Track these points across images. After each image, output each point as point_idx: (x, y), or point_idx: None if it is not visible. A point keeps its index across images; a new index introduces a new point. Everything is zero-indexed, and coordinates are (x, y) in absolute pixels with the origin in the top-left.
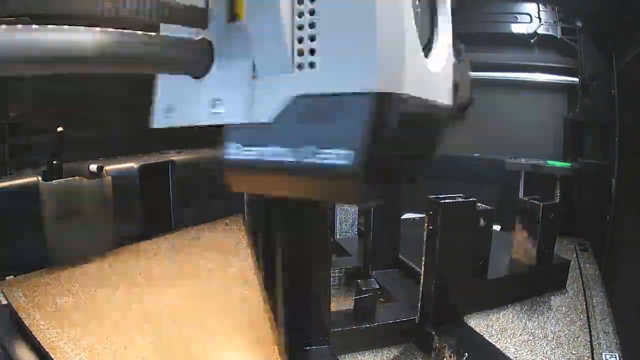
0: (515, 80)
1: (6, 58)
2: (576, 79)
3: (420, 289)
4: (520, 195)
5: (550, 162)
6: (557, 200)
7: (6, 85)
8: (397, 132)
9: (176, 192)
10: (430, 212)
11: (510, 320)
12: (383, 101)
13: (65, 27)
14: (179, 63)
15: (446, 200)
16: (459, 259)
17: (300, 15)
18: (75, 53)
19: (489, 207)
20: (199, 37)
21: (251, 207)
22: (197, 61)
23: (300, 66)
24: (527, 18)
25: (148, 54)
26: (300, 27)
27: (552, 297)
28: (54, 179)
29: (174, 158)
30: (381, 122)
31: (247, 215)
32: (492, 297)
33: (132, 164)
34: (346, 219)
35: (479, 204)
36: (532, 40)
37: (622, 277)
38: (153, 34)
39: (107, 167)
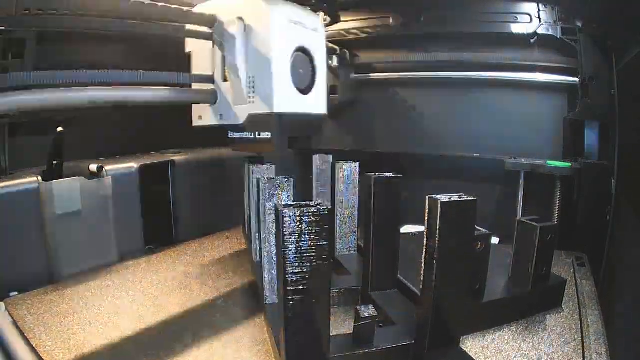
0: (515, 80)
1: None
2: (576, 79)
3: (417, 313)
4: (520, 195)
5: (550, 162)
6: (556, 220)
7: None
8: (287, 125)
9: (176, 192)
10: (430, 212)
11: (505, 342)
12: (279, 115)
13: (145, 88)
14: (204, 100)
15: (446, 200)
16: (456, 278)
17: (249, 79)
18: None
19: (486, 232)
20: (212, 88)
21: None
22: (211, 99)
23: (250, 100)
24: (527, 18)
25: (192, 98)
26: (250, 84)
27: (548, 317)
28: (54, 179)
29: (174, 158)
30: (279, 122)
31: (247, 229)
32: (488, 318)
33: (132, 164)
34: (346, 234)
35: (477, 228)
36: (532, 40)
37: (618, 292)
38: (195, 89)
39: (107, 167)
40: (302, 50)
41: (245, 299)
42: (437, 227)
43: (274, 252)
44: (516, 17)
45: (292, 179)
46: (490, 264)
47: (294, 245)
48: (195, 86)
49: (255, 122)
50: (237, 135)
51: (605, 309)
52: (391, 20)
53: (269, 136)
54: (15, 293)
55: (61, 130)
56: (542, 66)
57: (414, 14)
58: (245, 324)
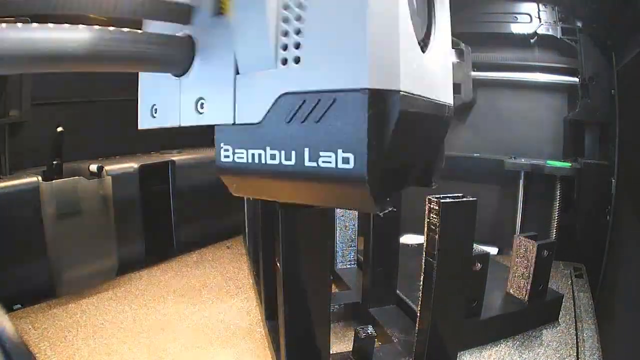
0: (515, 80)
1: None
2: (576, 79)
3: (415, 331)
4: (520, 195)
5: (550, 162)
6: (556, 220)
7: (5, 85)
8: (399, 131)
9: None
10: (430, 212)
11: (502, 357)
12: (379, 99)
13: (50, 25)
14: (158, 60)
15: (447, 200)
16: (455, 290)
17: (287, 7)
18: (60, 53)
19: (484, 251)
20: (181, 34)
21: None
22: (177, 58)
23: (284, 61)
24: (527, 18)
25: (124, 52)
26: (286, 20)
27: (544, 331)
28: (54, 179)
29: (174, 158)
30: (380, 122)
31: (247, 241)
32: (485, 334)
33: (132, 164)
34: (346, 248)
35: (475, 245)
36: (532, 40)
37: (615, 305)
38: (130, 30)
39: (107, 167)
40: None
41: (246, 313)
42: (437, 228)
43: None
44: (516, 17)
45: None
46: (488, 277)
47: (294, 246)
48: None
49: (300, 118)
50: (240, 155)
51: (602, 322)
52: None
53: (351, 165)
54: (19, 306)
55: (61, 130)
56: (542, 66)
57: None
58: (247, 338)
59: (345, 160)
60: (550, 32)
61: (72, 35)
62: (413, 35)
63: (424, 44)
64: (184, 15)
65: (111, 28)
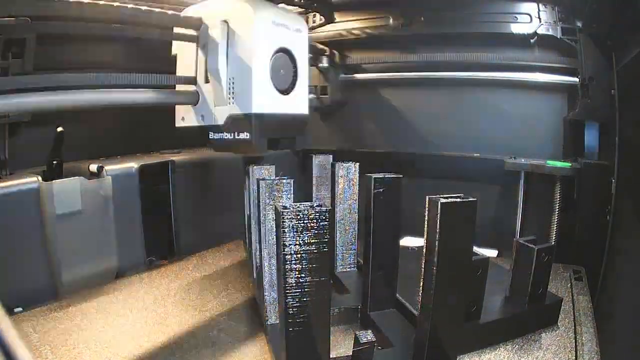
0: (515, 80)
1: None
2: (576, 79)
3: (414, 337)
4: (520, 195)
5: (550, 162)
6: (556, 221)
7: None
8: (266, 125)
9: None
10: (430, 213)
11: None
12: (257, 115)
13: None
14: (185, 100)
15: (447, 200)
16: (455, 292)
17: (230, 79)
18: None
19: (484, 256)
20: (193, 90)
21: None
22: (192, 99)
23: (230, 101)
24: (527, 18)
25: (174, 100)
26: (230, 86)
27: (543, 335)
28: (54, 179)
29: (174, 158)
30: (258, 122)
31: (248, 243)
32: (484, 339)
33: (132, 164)
34: (346, 251)
35: (475, 250)
36: (532, 40)
37: (614, 307)
38: (177, 90)
39: (107, 167)
40: (284, 51)
41: (247, 317)
42: (437, 228)
43: (274, 276)
44: (516, 17)
45: (292, 180)
46: (487, 281)
47: (293, 246)
48: (179, 88)
49: (235, 123)
50: (216, 136)
51: (601, 326)
52: (391, 21)
53: (248, 137)
54: (20, 309)
55: (61, 130)
56: (542, 66)
57: (414, 14)
58: (247, 342)
59: (247, 136)
60: (550, 32)
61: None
62: (274, 91)
63: (288, 90)
64: (193, 98)
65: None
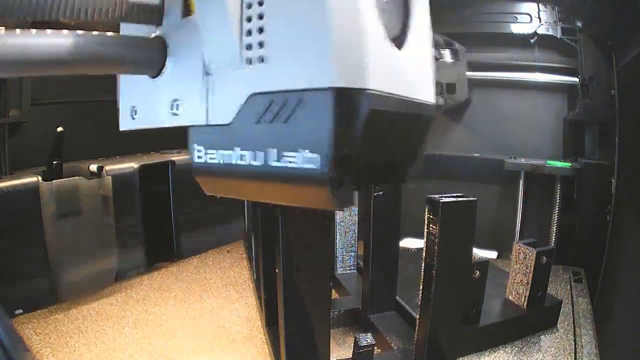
0: (515, 80)
1: None
2: (576, 79)
3: (415, 338)
4: (520, 195)
5: (550, 162)
6: (556, 222)
7: (5, 85)
8: (368, 131)
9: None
10: (430, 212)
11: None
12: (346, 98)
13: (18, 31)
14: (130, 62)
15: (447, 200)
16: (454, 294)
17: (249, 5)
18: (34, 58)
19: (484, 259)
20: (153, 35)
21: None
22: (150, 60)
23: (249, 61)
24: (527, 18)
25: (98, 54)
26: (249, 19)
27: (543, 337)
28: (54, 179)
29: (174, 158)
30: (346, 121)
31: (247, 245)
32: (484, 341)
33: (132, 164)
34: (346, 253)
35: (475, 254)
36: (532, 40)
37: (613, 309)
38: (101, 33)
39: (107, 167)
40: None
41: (247, 319)
42: (437, 228)
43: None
44: (516, 17)
45: None
46: (487, 283)
47: (293, 251)
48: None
49: (267, 118)
50: (212, 157)
51: (600, 328)
52: None
53: (315, 167)
54: (20, 311)
55: (61, 130)
56: (542, 66)
57: None
58: (247, 344)
59: (310, 161)
60: (550, 32)
61: (46, 40)
62: (383, 31)
63: (399, 40)
64: (155, 15)
65: (81, 32)
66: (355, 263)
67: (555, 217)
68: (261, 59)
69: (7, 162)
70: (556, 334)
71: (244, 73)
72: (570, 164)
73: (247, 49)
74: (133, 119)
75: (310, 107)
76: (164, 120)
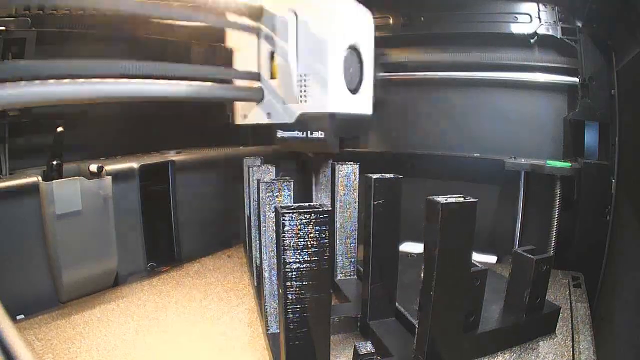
0: (515, 80)
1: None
2: (576, 79)
3: (414, 345)
4: (520, 195)
5: (550, 162)
6: (556, 222)
7: None
8: (340, 125)
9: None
10: (430, 214)
11: None
12: (332, 114)
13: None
14: (250, 97)
15: (447, 201)
16: (452, 303)
17: (300, 77)
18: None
19: (483, 267)
20: (257, 86)
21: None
22: (257, 96)
23: (300, 100)
24: (527, 18)
25: (238, 95)
26: (300, 82)
27: (541, 343)
28: (54, 179)
29: (174, 158)
30: (332, 121)
31: (247, 250)
32: (482, 348)
33: (132, 164)
34: (346, 259)
35: (474, 261)
36: (532, 40)
37: (612, 314)
38: (241, 85)
39: (107, 167)
40: (353, 48)
41: (247, 325)
42: (437, 228)
43: (275, 283)
44: (516, 17)
45: (292, 180)
46: (486, 290)
47: (294, 249)
48: (237, 83)
49: (307, 121)
50: (287, 134)
51: (599, 333)
52: (391, 21)
53: (322, 136)
54: (22, 316)
55: (61, 130)
56: (542, 66)
57: (414, 14)
58: (248, 350)
59: (321, 135)
60: (550, 32)
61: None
62: (346, 91)
63: (355, 90)
64: (256, 77)
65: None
66: (355, 269)
67: (555, 217)
68: (305, 100)
69: (7, 162)
70: (555, 340)
71: (298, 105)
72: (570, 164)
73: (299, 94)
74: (243, 119)
75: (321, 117)
76: (262, 120)
